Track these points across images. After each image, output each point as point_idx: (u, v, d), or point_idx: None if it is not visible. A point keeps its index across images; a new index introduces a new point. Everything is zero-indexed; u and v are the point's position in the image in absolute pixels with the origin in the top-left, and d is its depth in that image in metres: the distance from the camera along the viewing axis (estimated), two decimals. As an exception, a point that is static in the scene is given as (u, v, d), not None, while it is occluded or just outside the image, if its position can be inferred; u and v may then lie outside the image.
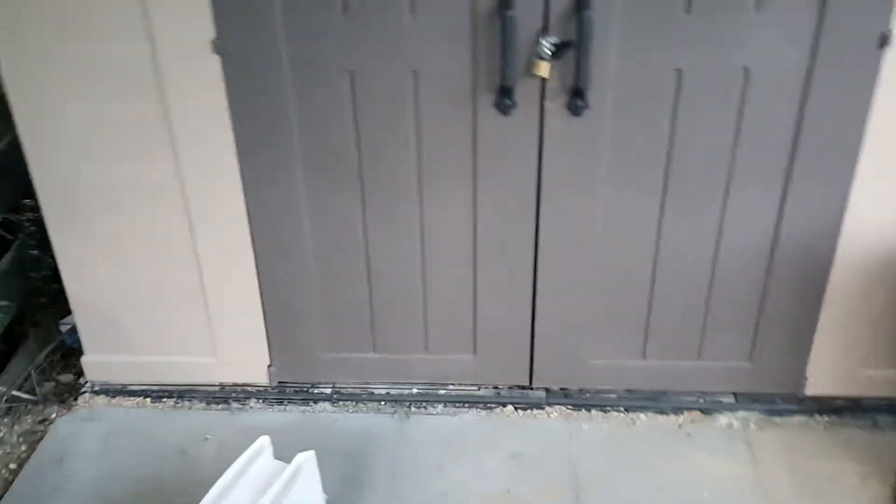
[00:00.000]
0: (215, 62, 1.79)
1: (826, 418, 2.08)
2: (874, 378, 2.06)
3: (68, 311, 2.34)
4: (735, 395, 2.12)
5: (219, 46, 1.77)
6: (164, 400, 2.22)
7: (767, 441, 2.01)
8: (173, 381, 2.24)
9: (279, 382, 2.24)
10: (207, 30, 1.75)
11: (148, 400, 2.22)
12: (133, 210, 1.99)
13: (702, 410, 2.11)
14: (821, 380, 2.07)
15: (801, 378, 2.08)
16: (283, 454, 1.69)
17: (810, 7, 1.65)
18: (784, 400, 2.10)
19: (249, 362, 2.20)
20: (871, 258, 1.90)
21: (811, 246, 1.91)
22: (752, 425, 2.07)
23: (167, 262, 2.05)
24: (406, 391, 2.21)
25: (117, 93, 1.84)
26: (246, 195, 1.95)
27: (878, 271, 1.91)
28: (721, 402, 2.12)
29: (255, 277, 2.06)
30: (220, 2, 1.72)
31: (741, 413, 2.09)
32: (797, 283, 1.96)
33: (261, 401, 2.21)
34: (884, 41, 1.65)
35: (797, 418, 2.08)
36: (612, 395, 2.15)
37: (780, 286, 1.96)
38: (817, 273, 1.94)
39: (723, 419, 2.09)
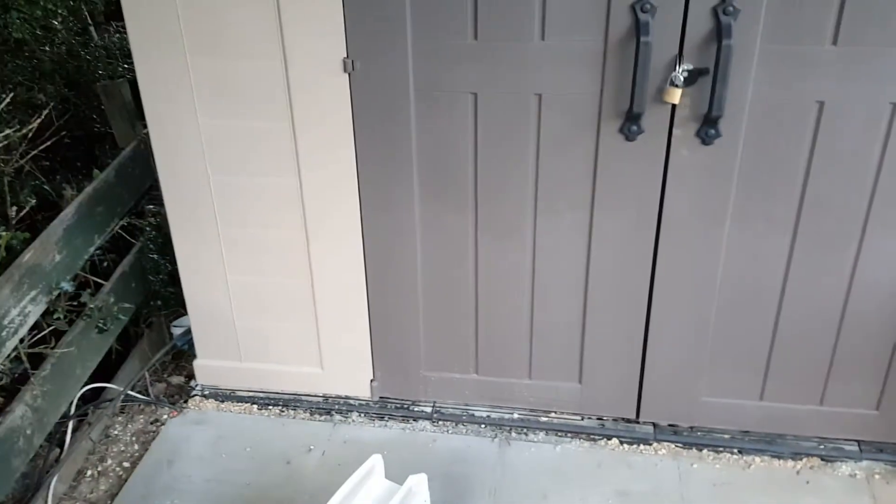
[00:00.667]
0: (344, 81, 1.82)
1: (960, 475, 1.93)
2: None
3: (180, 314, 2.42)
4: (859, 443, 2.00)
5: (349, 66, 1.79)
6: (270, 407, 2.26)
7: (894, 495, 1.89)
8: (280, 389, 2.28)
9: (381, 397, 2.24)
10: (339, 49, 1.78)
11: (254, 406, 2.27)
12: (254, 221, 2.04)
13: (822, 458, 1.99)
14: (956, 434, 1.93)
15: (934, 431, 1.94)
16: (386, 471, 1.68)
17: (972, 39, 1.55)
18: (914, 452, 1.97)
19: (354, 376, 2.22)
20: None
21: (955, 292, 1.79)
22: (876, 476, 1.94)
23: (282, 273, 2.10)
24: (507, 416, 2.18)
25: (247, 108, 1.89)
26: (362, 212, 1.97)
27: None
28: (843, 449, 2.00)
29: (364, 293, 2.08)
30: (354, 22, 1.75)
31: (865, 463, 1.97)
32: (936, 332, 1.83)
33: (362, 414, 2.23)
34: None
35: (928, 473, 1.95)
36: (726, 436, 2.06)
37: (917, 333, 1.84)
38: (960, 322, 1.81)
39: (845, 468, 1.97)
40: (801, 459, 2.00)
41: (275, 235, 2.05)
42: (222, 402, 2.28)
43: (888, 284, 1.81)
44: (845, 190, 1.73)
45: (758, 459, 2.01)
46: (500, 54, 1.74)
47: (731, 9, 1.59)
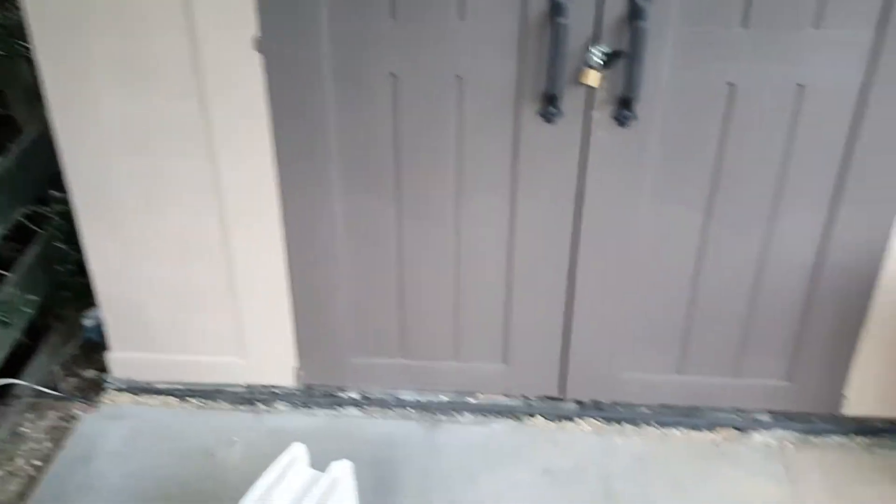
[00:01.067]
0: (257, 61, 1.76)
1: (865, 439, 2.04)
2: (915, 401, 2.02)
3: (91, 305, 2.32)
4: (772, 413, 2.09)
5: (261, 44, 1.73)
6: (190, 399, 2.20)
7: (805, 462, 1.98)
8: (200, 380, 2.21)
9: (306, 385, 2.21)
10: (251, 27, 1.72)
11: (174, 399, 2.20)
12: (167, 207, 1.96)
13: (737, 428, 2.07)
14: (860, 400, 2.03)
15: (839, 398, 2.04)
16: (313, 460, 1.66)
17: (869, 24, 1.61)
18: (822, 420, 2.07)
19: (277, 364, 2.17)
20: (918, 281, 1.86)
21: (856, 268, 1.87)
22: (789, 445, 2.03)
23: (199, 260, 2.03)
24: (434, 399, 2.18)
25: (155, 88, 1.81)
26: (281, 196, 1.92)
27: (925, 294, 1.88)
28: (757, 419, 2.08)
29: (287, 279, 2.04)
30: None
31: (778, 432, 2.06)
32: (840, 305, 1.92)
33: (287, 403, 2.19)
34: (948, 60, 1.61)
35: (835, 439, 2.05)
36: (646, 410, 2.11)
37: (823, 307, 1.92)
38: (861, 295, 1.90)
39: (759, 438, 2.05)
40: (717, 431, 2.07)
41: (189, 222, 1.97)
42: (139, 395, 2.20)
43: (796, 261, 1.89)
44: (756, 169, 1.79)
45: (676, 432, 2.08)
46: (418, 35, 1.71)
47: (645, -10, 1.60)
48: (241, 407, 2.18)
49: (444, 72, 1.75)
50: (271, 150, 1.86)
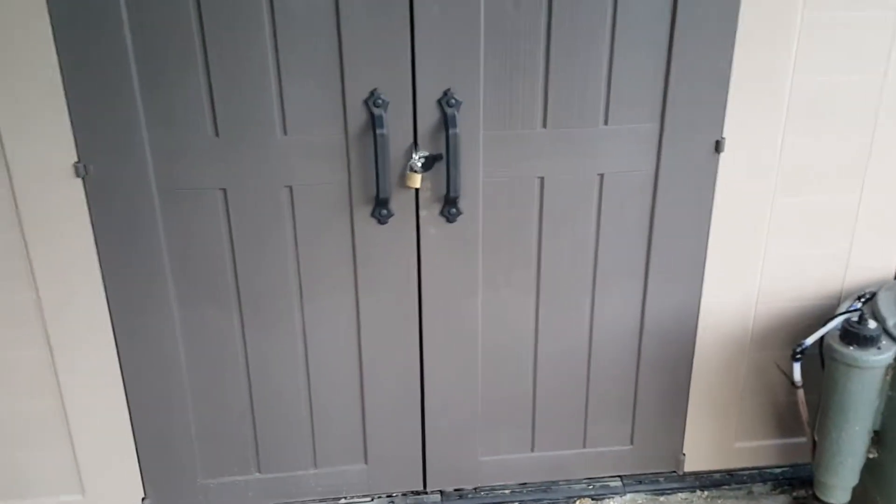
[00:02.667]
0: (77, 186, 1.72)
1: (706, 493, 2.18)
2: (745, 449, 2.19)
3: None
4: (621, 478, 2.19)
5: (81, 170, 1.71)
6: (26, 549, 2.00)
7: (656, 521, 2.09)
8: (36, 526, 2.03)
9: (157, 515, 2.08)
10: (69, 153, 1.69)
11: (6, 551, 2.00)
12: (-14, 344, 1.84)
13: (592, 497, 2.16)
14: (697, 456, 2.18)
15: (679, 456, 2.18)
16: None
17: (652, 118, 1.82)
18: (666, 479, 2.19)
19: (121, 498, 2.03)
20: (729, 338, 2.06)
21: (674, 331, 2.04)
22: (639, 506, 2.14)
23: (27, 395, 1.90)
24: (297, 509, 2.12)
25: (-33, 221, 1.73)
26: (113, 321, 1.86)
27: (737, 349, 2.07)
28: (609, 486, 2.18)
29: (125, 406, 1.94)
30: (82, 124, 1.68)
31: (629, 496, 2.16)
32: (666, 367, 2.08)
33: (137, 538, 2.05)
34: (718, 147, 1.85)
35: (680, 495, 2.17)
36: (506, 491, 2.16)
37: (651, 371, 2.08)
38: (682, 356, 2.07)
39: (612, 503, 2.15)
40: (574, 502, 2.14)
41: (14, 356, 1.86)
42: (-36, 553, 1.99)
43: (621, 331, 2.04)
44: (573, 251, 1.94)
45: (537, 509, 2.14)
46: (244, 150, 1.75)
47: (453, 101, 1.74)
48: (85, 549, 2.02)
49: (274, 183, 1.79)
50: (99, 274, 1.80)
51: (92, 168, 1.71)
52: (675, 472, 2.20)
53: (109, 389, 1.92)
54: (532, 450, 2.14)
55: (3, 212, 1.72)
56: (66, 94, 1.65)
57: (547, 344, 2.02)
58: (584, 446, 2.15)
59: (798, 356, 1.89)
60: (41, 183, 1.71)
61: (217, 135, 1.73)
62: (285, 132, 1.75)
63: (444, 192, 1.82)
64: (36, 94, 1.64)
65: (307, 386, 2.00)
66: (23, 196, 1.71)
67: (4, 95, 1.63)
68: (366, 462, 2.11)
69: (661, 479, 2.20)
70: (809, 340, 1.86)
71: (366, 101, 1.73)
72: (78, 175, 1.71)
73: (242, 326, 1.92)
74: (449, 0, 1.66)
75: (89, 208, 1.75)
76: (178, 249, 1.82)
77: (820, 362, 1.86)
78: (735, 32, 1.75)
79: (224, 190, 1.78)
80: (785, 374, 2.02)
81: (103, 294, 1.82)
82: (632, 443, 2.16)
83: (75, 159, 1.70)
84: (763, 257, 1.98)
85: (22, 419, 1.93)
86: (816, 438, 1.89)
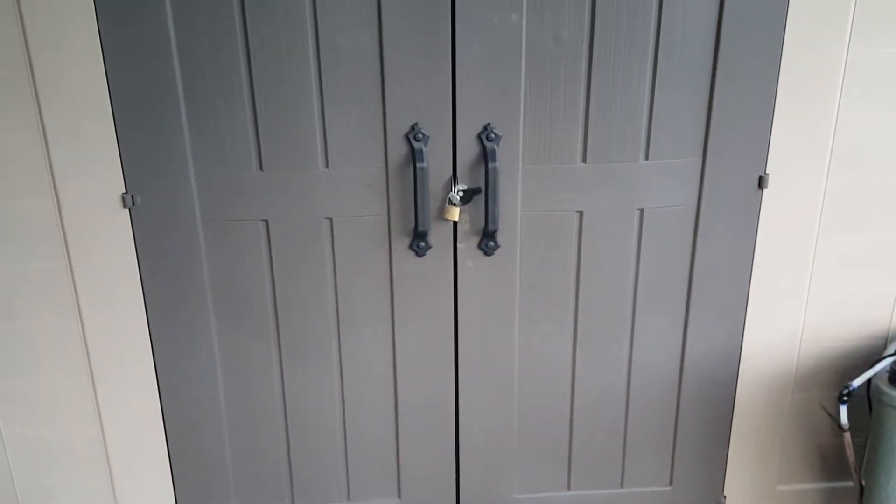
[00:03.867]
0: (124, 216, 1.76)
1: (747, 537, 2.12)
2: (788, 493, 2.13)
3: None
4: (660, 520, 2.14)
5: (128, 201, 1.75)
6: (60, 575, 2.02)
7: (694, 567, 2.03)
8: (71, 552, 2.05)
9: (190, 544, 2.08)
10: (117, 185, 1.74)
11: (41, 577, 2.01)
12: (31, 368, 1.87)
13: (629, 539, 2.11)
14: (738, 498, 2.12)
15: (720, 498, 2.12)
16: None
17: (694, 154, 1.81)
18: (706, 522, 2.14)
19: (157, 525, 2.05)
20: (772, 377, 2.01)
21: (715, 370, 2.00)
22: (678, 550, 2.08)
23: (67, 421, 1.92)
24: (329, 543, 2.10)
25: (18, 250, 1.77)
26: (154, 349, 1.88)
27: (780, 389, 2.02)
28: (647, 528, 2.13)
29: (163, 432, 1.96)
30: (131, 157, 1.72)
31: (667, 538, 2.11)
32: (707, 407, 2.04)
33: (170, 567, 2.05)
34: (762, 183, 1.82)
35: (720, 539, 2.11)
36: (541, 531, 2.12)
37: (691, 409, 2.04)
38: (724, 395, 2.03)
39: (650, 546, 2.09)
40: (611, 543, 2.10)
41: (56, 382, 1.89)
42: (1, 577, 2.01)
43: (661, 369, 2.00)
44: (612, 286, 1.92)
45: (573, 550, 2.09)
46: (287, 182, 1.78)
47: (493, 135, 1.75)
48: (119, 577, 2.02)
49: (315, 215, 1.82)
50: (142, 304, 1.84)
51: (139, 199, 1.75)
52: (715, 514, 2.14)
53: (147, 416, 1.94)
54: (568, 488, 2.10)
55: (51, 241, 1.76)
56: (116, 129, 1.69)
57: (585, 379, 1.99)
58: (622, 486, 2.10)
59: (845, 398, 1.83)
60: (89, 213, 1.75)
61: (261, 168, 1.76)
62: (327, 165, 1.77)
63: (482, 225, 1.83)
64: (88, 128, 1.69)
65: (342, 417, 2.00)
66: (70, 226, 1.76)
67: (59, 130, 1.69)
68: (399, 496, 2.09)
69: (701, 522, 2.14)
70: (857, 382, 1.80)
71: (406, 135, 1.75)
72: (125, 206, 1.75)
73: (280, 356, 1.93)
74: (490, 37, 1.68)
75: (135, 238, 1.78)
76: (219, 279, 1.85)
77: (867, 405, 1.81)
78: (779, 68, 1.74)
79: (266, 221, 1.81)
80: (831, 416, 1.96)
81: (145, 322, 1.85)
82: (671, 483, 2.11)
83: (123, 190, 1.74)
84: (807, 295, 1.94)
85: (61, 443, 1.95)
86: (864, 483, 1.83)
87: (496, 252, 1.86)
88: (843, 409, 1.85)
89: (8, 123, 1.67)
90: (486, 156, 1.75)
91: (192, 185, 1.76)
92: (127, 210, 1.76)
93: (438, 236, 1.85)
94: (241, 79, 1.69)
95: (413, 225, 1.82)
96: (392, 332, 1.93)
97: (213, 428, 1.97)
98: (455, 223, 1.83)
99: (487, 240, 1.85)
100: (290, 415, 1.99)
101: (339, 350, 1.94)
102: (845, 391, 1.83)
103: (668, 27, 1.70)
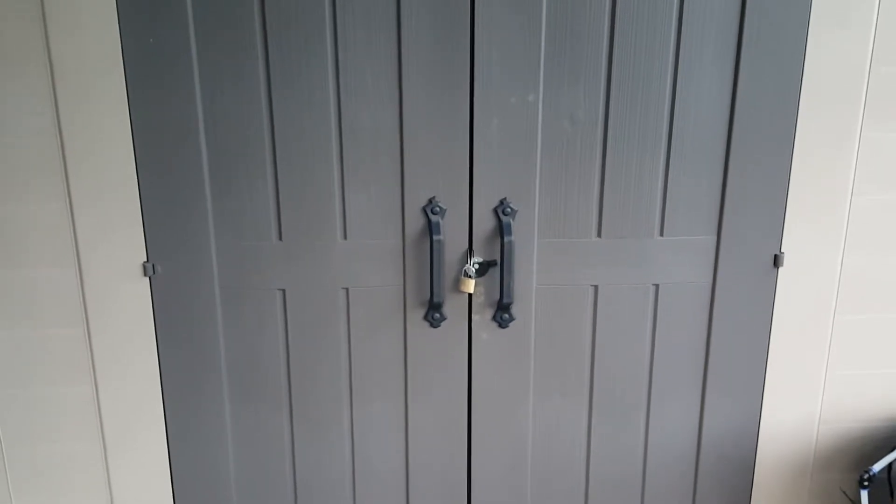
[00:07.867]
0: (144, 284, 1.79)
1: None
2: (809, 578, 2.06)
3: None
4: None
5: (149, 269, 1.77)
6: None
7: None
8: None
9: None
10: (139, 253, 1.77)
11: None
12: (43, 435, 1.87)
13: None
14: (758, 584, 2.06)
15: (739, 583, 2.06)
16: None
17: (709, 231, 1.82)
18: None
19: None
20: (790, 459, 1.97)
21: (732, 450, 1.97)
22: None
23: (77, 491, 1.91)
24: None
25: (37, 315, 1.79)
26: (167, 418, 1.88)
27: (799, 471, 1.98)
28: None
29: (171, 499, 1.94)
30: (154, 226, 1.76)
31: None
32: (724, 487, 1.99)
33: None
34: (777, 262, 1.83)
35: None
36: None
37: (709, 490, 1.99)
38: (741, 476, 1.99)
39: None
40: None
41: (68, 450, 1.88)
42: None
43: (678, 448, 1.97)
44: (627, 361, 1.91)
45: None
46: (305, 253, 1.81)
47: (509, 209, 1.78)
48: None
49: (332, 285, 1.83)
50: (157, 372, 1.84)
51: (159, 268, 1.78)
52: None
53: (158, 484, 1.92)
54: (582, 568, 2.05)
55: (71, 307, 1.78)
56: (140, 199, 1.73)
57: (600, 457, 1.96)
58: (637, 567, 2.05)
59: (866, 483, 1.79)
60: (110, 281, 1.78)
61: (280, 239, 1.79)
62: (345, 237, 1.80)
63: (497, 297, 1.83)
64: (114, 198, 1.73)
65: (352, 490, 1.97)
66: (91, 292, 1.78)
67: (86, 201, 1.72)
68: (408, 572, 2.04)
69: None
70: (877, 467, 1.77)
71: (424, 208, 1.78)
72: (146, 274, 1.77)
73: (291, 426, 1.92)
74: (508, 116, 1.72)
75: (153, 306, 1.80)
76: (234, 347, 1.86)
77: (888, 488, 1.76)
78: (793, 146, 1.77)
79: (283, 290, 1.83)
80: (851, 501, 1.92)
81: (159, 389, 1.85)
82: (688, 566, 2.05)
83: (144, 259, 1.77)
84: (825, 375, 1.92)
85: (69, 512, 1.94)
86: (890, 573, 1.77)
87: (511, 325, 1.86)
88: (865, 495, 1.80)
89: (36, 194, 1.72)
90: (501, 229, 1.77)
91: (213, 254, 1.78)
92: (147, 278, 1.78)
93: (453, 308, 1.85)
94: (265, 153, 1.73)
95: (428, 296, 1.83)
96: (405, 404, 1.92)
97: (222, 495, 1.95)
98: (470, 295, 1.84)
99: (502, 312, 1.85)
100: (300, 486, 1.97)
101: (352, 420, 1.93)
102: (866, 476, 1.79)
103: (682, 106, 1.74)
